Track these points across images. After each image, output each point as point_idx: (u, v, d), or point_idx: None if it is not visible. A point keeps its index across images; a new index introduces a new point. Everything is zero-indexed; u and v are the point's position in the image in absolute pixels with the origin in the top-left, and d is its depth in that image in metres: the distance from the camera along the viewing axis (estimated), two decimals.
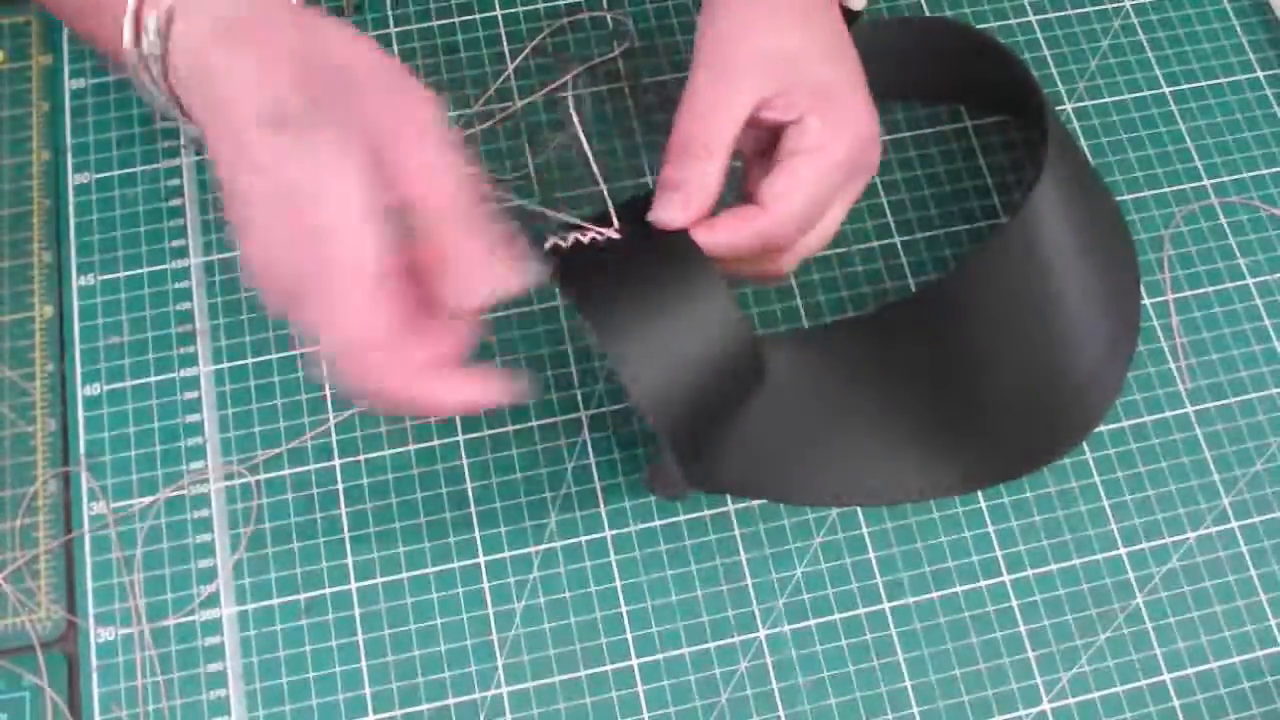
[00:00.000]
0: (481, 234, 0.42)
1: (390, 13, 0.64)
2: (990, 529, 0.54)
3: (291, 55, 0.41)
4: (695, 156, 0.47)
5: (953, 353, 0.54)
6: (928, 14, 0.64)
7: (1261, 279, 0.59)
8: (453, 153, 0.42)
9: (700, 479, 0.52)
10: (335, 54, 0.42)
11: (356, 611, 0.53)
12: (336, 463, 0.55)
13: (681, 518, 0.54)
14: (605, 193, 0.51)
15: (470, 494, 0.54)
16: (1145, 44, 0.64)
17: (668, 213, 0.47)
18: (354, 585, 0.53)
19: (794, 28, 0.49)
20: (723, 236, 0.48)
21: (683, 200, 0.47)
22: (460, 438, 0.55)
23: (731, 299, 0.47)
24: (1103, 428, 0.56)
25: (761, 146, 0.51)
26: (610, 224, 0.47)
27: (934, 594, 0.53)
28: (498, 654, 0.52)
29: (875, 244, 0.59)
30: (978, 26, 0.64)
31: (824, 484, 0.54)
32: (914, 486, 0.54)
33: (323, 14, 0.44)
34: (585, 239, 0.47)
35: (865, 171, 0.50)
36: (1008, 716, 0.51)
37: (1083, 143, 0.61)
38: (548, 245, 0.47)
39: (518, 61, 0.62)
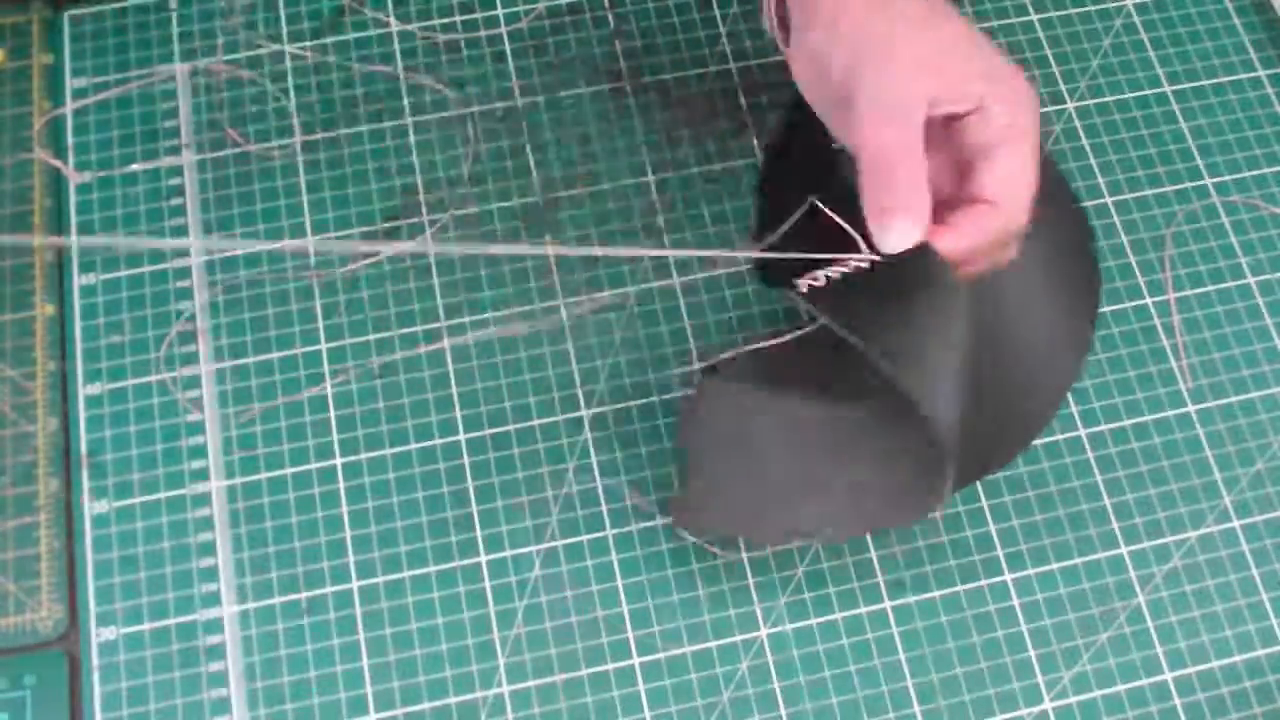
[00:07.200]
0: None
1: (391, 12, 0.64)
2: (992, 527, 0.54)
3: None
4: (902, 170, 0.46)
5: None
6: None
7: (1262, 277, 0.59)
8: None
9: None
10: None
11: (358, 610, 0.52)
12: (338, 461, 0.55)
13: None
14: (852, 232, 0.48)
15: (471, 492, 0.54)
16: (1146, 43, 0.64)
17: (905, 239, 0.46)
18: (355, 584, 0.53)
19: (929, 25, 0.49)
20: (966, 241, 0.47)
21: (914, 219, 0.46)
22: (462, 436, 0.55)
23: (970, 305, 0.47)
24: (1104, 426, 0.56)
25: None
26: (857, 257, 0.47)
27: (935, 592, 0.53)
28: (499, 652, 0.52)
29: None
30: (979, 27, 0.64)
31: (812, 517, 0.53)
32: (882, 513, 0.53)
33: None
34: (835, 274, 0.46)
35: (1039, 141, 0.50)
36: (1009, 715, 0.51)
37: (1084, 141, 0.62)
38: (803, 286, 0.46)
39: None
